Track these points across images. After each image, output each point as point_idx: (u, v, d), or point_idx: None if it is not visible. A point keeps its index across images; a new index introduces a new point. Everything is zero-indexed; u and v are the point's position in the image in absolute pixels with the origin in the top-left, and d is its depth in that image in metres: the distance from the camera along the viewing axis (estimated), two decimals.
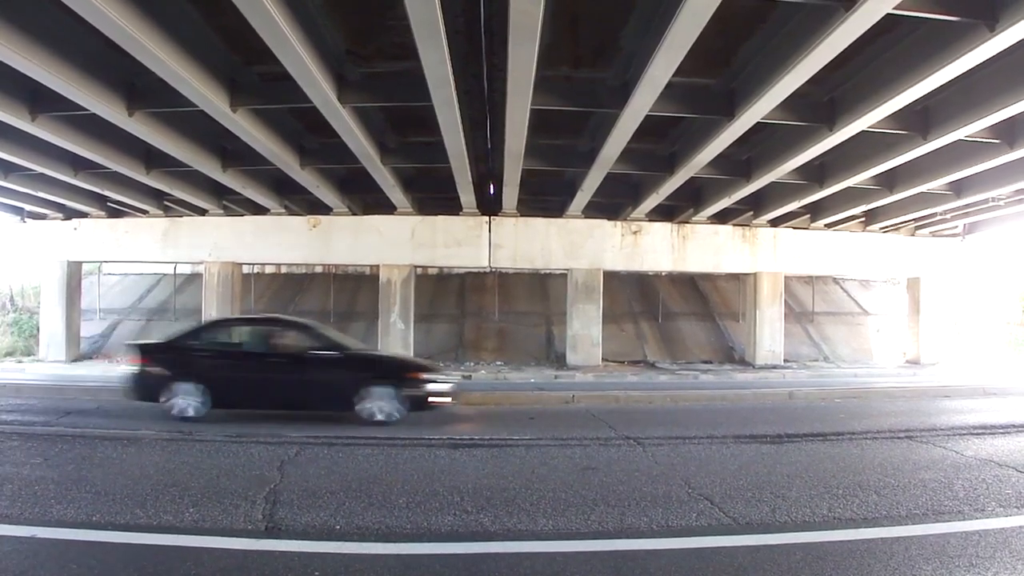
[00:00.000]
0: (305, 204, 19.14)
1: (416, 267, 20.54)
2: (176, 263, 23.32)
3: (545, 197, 18.68)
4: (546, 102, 10.69)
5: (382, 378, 9.85)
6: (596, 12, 9.03)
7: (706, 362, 21.40)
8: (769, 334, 20.84)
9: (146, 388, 10.02)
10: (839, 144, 12.27)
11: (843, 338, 23.95)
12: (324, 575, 4.04)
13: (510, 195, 16.97)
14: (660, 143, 14.00)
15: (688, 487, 6.07)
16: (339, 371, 9.94)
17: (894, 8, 7.22)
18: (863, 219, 20.51)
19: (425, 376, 10.16)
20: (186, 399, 9.68)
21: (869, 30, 7.74)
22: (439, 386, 10.19)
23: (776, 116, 10.95)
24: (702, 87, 10.90)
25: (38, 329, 21.84)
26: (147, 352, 10.40)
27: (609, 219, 19.92)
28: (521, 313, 23.78)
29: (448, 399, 10.35)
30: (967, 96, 10.41)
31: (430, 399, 9.97)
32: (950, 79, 9.09)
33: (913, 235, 22.27)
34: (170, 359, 10.15)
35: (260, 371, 9.96)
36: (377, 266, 20.29)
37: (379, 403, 9.62)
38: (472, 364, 20.02)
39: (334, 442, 7.95)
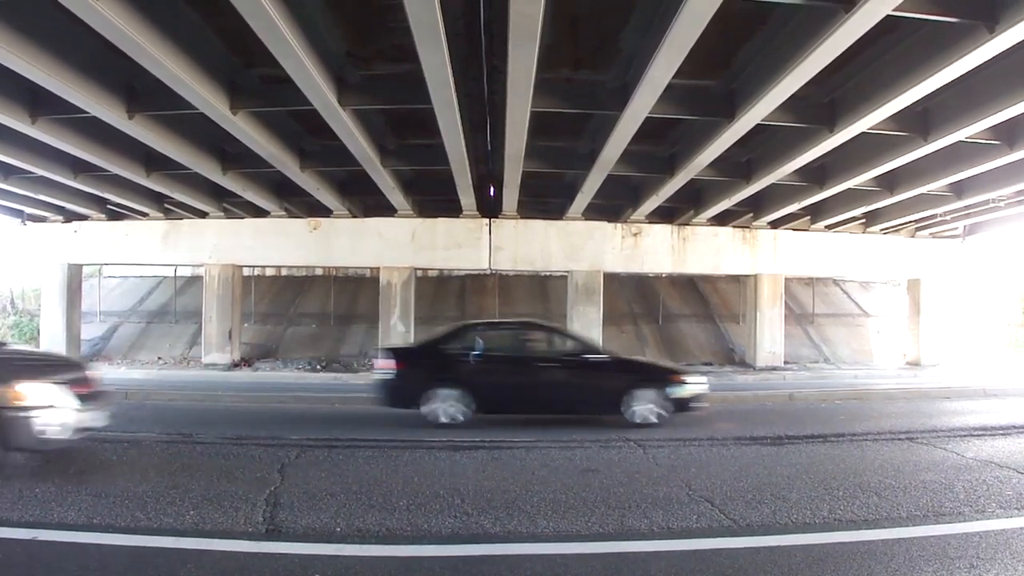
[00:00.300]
0: (305, 207, 19.15)
1: (416, 269, 20.54)
2: (176, 265, 23.33)
3: (545, 199, 18.68)
4: (546, 104, 10.70)
5: (649, 381, 9.98)
6: (596, 14, 9.03)
7: (706, 364, 21.38)
8: (769, 336, 20.84)
9: (404, 394, 9.81)
10: (840, 146, 12.28)
11: (843, 339, 23.95)
12: None
13: (510, 197, 16.97)
14: (660, 145, 14.00)
15: (688, 489, 6.07)
16: (608, 374, 10.05)
17: (893, 10, 7.22)
18: (863, 220, 20.50)
19: (684, 378, 10.18)
20: (449, 405, 9.56)
21: (870, 31, 7.75)
22: (697, 388, 10.21)
23: (776, 118, 10.96)
24: (702, 89, 10.91)
25: (39, 332, 21.85)
26: (403, 357, 10.21)
27: (609, 221, 19.92)
28: (522, 315, 23.75)
29: (704, 402, 10.34)
30: (967, 97, 10.41)
31: (691, 402, 10.02)
32: (950, 80, 9.10)
33: (913, 236, 22.27)
34: (430, 364, 10.00)
35: (528, 375, 9.96)
36: (377, 268, 20.30)
37: (646, 406, 9.72)
38: None
39: (335, 444, 7.95)
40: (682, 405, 9.91)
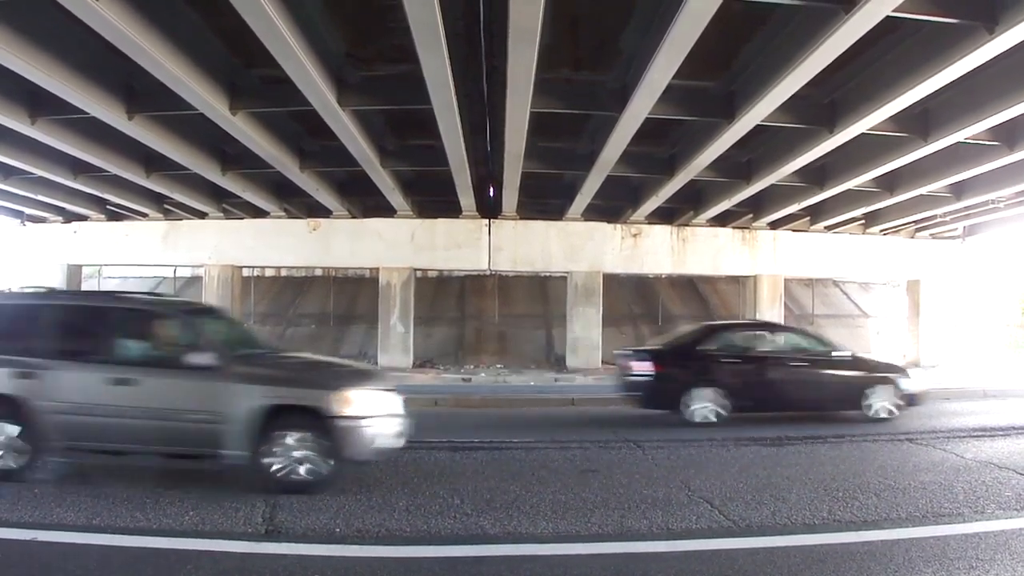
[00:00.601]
0: (305, 207, 19.14)
1: (416, 270, 20.52)
2: (176, 266, 23.31)
3: (545, 200, 18.67)
4: (546, 104, 10.69)
5: (884, 377, 10.57)
6: (596, 14, 9.03)
7: None
8: None
9: (664, 396, 10.15)
10: (840, 146, 12.27)
11: (843, 340, 23.75)
12: None
13: (510, 198, 16.97)
14: (660, 146, 14.00)
15: (688, 490, 6.07)
16: (851, 372, 10.59)
17: (893, 10, 7.22)
18: (863, 221, 20.49)
19: (910, 375, 10.83)
20: (708, 405, 9.88)
21: (870, 32, 7.74)
22: (924, 384, 10.98)
23: (776, 118, 10.94)
24: (702, 89, 10.90)
25: None
26: (662, 358, 10.43)
27: (609, 222, 19.91)
28: (521, 316, 23.75)
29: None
30: (967, 98, 10.40)
31: (918, 397, 10.69)
32: (950, 81, 9.09)
33: (913, 237, 22.25)
34: (690, 366, 10.30)
35: (781, 374, 10.42)
36: (377, 269, 20.27)
37: (883, 401, 10.31)
38: (472, 367, 20.00)
39: None
40: (912, 400, 10.53)
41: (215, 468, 6.14)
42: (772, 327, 12.82)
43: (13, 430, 5.99)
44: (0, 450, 6.00)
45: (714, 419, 9.79)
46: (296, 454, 5.84)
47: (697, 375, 10.11)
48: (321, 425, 5.85)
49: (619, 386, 11.08)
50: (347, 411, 5.90)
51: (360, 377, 6.74)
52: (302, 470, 5.84)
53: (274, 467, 5.82)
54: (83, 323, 6.61)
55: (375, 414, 6.08)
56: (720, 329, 11.88)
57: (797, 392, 10.38)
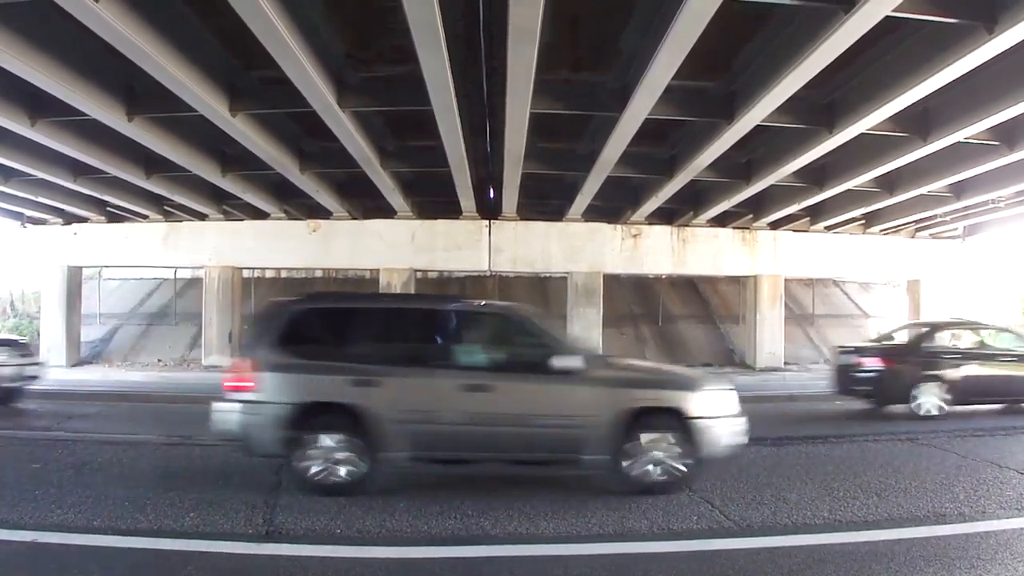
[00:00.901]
0: (305, 209, 19.14)
1: (416, 271, 20.50)
2: (176, 267, 23.30)
3: (545, 200, 18.65)
4: (546, 105, 10.68)
5: None
6: (596, 14, 9.02)
7: (706, 365, 21.31)
8: (769, 337, 20.80)
9: (895, 390, 10.89)
10: (839, 146, 12.25)
11: (844, 340, 23.87)
12: None
13: (510, 198, 16.96)
14: (660, 146, 13.98)
15: (688, 490, 6.07)
16: None
17: (892, 10, 7.21)
18: (863, 221, 20.48)
19: None
20: (933, 399, 10.62)
21: (870, 32, 7.73)
22: None
23: (776, 119, 10.93)
24: (702, 90, 10.88)
25: (39, 334, 21.82)
26: (891, 355, 11.29)
27: (609, 222, 19.89)
28: None
29: None
30: (967, 98, 10.39)
31: None
32: (950, 81, 9.08)
33: (913, 237, 22.24)
34: (917, 362, 11.00)
35: (993, 368, 11.22)
36: (377, 270, 20.26)
37: None
38: None
39: None
40: None
41: (568, 474, 6.22)
42: (981, 326, 13.51)
43: (353, 440, 5.88)
44: (342, 461, 5.88)
45: (936, 412, 10.48)
46: (656, 455, 5.92)
47: (924, 370, 10.78)
48: (679, 425, 5.95)
49: (841, 382, 11.83)
50: (704, 411, 6.04)
51: (707, 378, 6.92)
52: (662, 471, 5.93)
53: (635, 469, 5.89)
54: (426, 328, 6.59)
55: (725, 413, 6.23)
56: (938, 327, 12.55)
57: (1008, 386, 11.12)
